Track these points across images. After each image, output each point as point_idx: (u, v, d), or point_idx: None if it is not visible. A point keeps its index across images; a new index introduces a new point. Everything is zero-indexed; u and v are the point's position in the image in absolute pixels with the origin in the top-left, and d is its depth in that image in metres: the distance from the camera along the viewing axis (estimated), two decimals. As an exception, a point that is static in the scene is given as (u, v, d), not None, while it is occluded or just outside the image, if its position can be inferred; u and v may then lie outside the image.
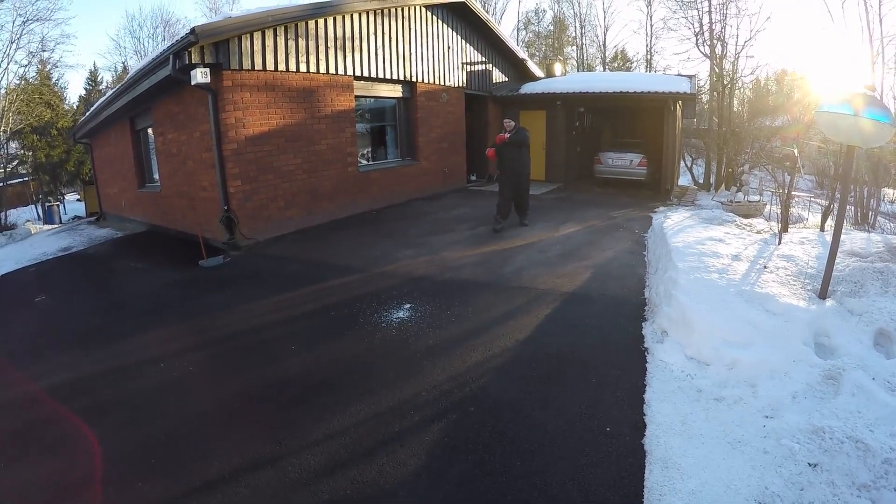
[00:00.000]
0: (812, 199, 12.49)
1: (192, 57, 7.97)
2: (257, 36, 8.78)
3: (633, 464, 2.96)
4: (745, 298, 4.51)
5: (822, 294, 4.58)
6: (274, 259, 8.12)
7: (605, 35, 41.93)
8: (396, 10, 11.77)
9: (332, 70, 10.20)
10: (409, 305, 5.63)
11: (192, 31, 7.73)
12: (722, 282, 4.92)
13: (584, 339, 4.60)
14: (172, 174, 10.85)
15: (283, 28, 9.18)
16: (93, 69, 37.88)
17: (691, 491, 2.73)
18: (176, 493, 3.04)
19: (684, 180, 20.79)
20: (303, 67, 9.61)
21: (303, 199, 9.85)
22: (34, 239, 16.09)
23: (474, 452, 3.14)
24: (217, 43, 8.21)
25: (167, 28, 42.24)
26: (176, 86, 9.05)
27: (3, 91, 19.68)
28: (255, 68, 8.83)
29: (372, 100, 12.04)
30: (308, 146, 9.85)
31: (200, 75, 8.07)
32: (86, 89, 36.01)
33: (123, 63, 41.64)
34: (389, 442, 3.29)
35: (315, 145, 9.98)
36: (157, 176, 12.42)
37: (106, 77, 39.44)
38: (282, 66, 9.24)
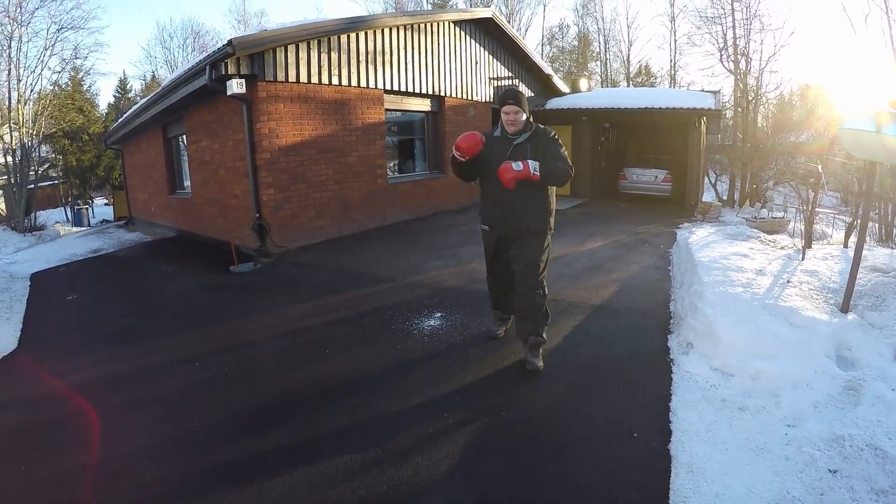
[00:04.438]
0: (836, 215, 12.51)
1: (228, 68, 8.26)
2: (291, 49, 9.07)
3: (660, 468, 3.07)
4: (769, 312, 4.61)
5: (845, 308, 4.67)
6: (305, 267, 8.32)
7: (629, 50, 42.16)
8: (426, 25, 12.06)
9: (363, 83, 10.47)
10: (439, 314, 5.77)
11: (230, 42, 8.01)
12: (746, 295, 5.02)
13: (610, 350, 4.72)
14: (204, 182, 11.16)
15: (316, 41, 9.46)
16: (122, 77, 38.72)
17: (715, 494, 2.84)
18: (213, 485, 3.16)
19: (708, 196, 20.75)
20: (335, 80, 9.88)
21: (333, 210, 10.08)
22: (63, 240, 16.48)
23: (507, 454, 3.25)
24: (252, 55, 8.50)
25: (197, 39, 43.25)
26: (210, 95, 9.36)
27: (36, 96, 20.18)
28: (289, 80, 9.11)
29: (401, 113, 12.32)
30: (339, 157, 10.10)
31: (236, 86, 8.35)
32: (115, 96, 36.97)
33: (153, 72, 42.71)
34: (424, 443, 3.41)
35: (346, 157, 10.23)
36: (187, 183, 12.74)
37: (135, 85, 40.28)
38: (315, 79, 9.51)
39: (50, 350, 5.97)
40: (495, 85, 14.95)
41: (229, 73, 8.29)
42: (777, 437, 3.25)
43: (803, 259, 6.41)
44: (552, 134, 4.47)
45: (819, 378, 3.72)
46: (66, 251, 13.31)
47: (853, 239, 8.19)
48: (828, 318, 4.49)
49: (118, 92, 37.39)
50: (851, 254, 5.75)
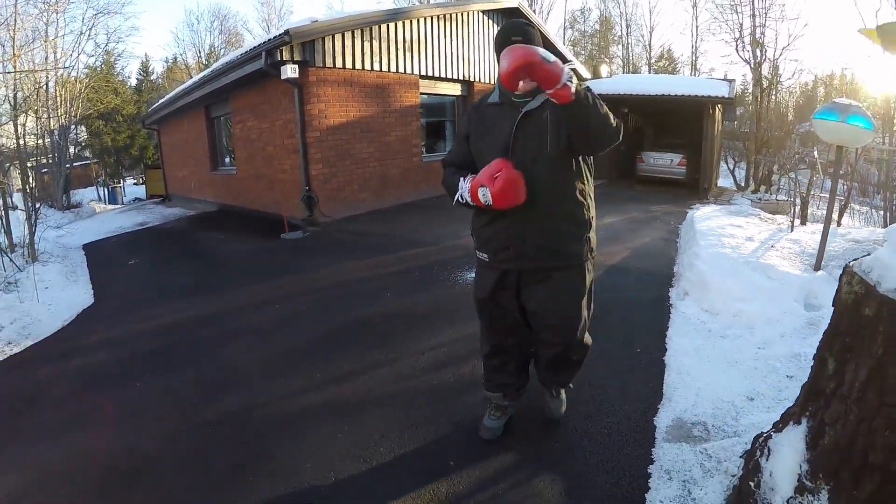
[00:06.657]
0: (843, 201, 13.23)
1: (283, 55, 9.20)
2: (338, 38, 10.02)
3: (656, 372, 4.05)
4: (751, 267, 5.59)
5: (816, 267, 5.64)
6: (352, 233, 9.28)
7: (650, 35, 42.64)
8: (456, 14, 12.93)
9: (400, 69, 11.46)
10: (479, 269, 6.73)
11: (286, 32, 8.99)
12: (734, 255, 6.01)
13: (621, 297, 5.68)
14: (250, 158, 12.14)
15: (360, 31, 10.42)
16: (144, 60, 39.66)
17: (698, 388, 3.80)
18: (313, 385, 4.04)
19: (727, 182, 21.34)
20: (376, 66, 10.86)
21: (374, 184, 11.12)
22: (103, 216, 17.35)
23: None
24: (304, 43, 9.45)
25: (222, 22, 44.15)
26: (259, 79, 10.39)
27: (73, 79, 21.08)
28: (336, 66, 10.09)
29: (434, 97, 13.24)
30: (379, 137, 11.12)
31: (290, 71, 9.33)
32: (138, 79, 37.56)
33: (175, 56, 43.70)
34: (477, 351, 4.38)
35: (385, 136, 11.25)
36: (228, 160, 13.73)
37: (157, 68, 41.24)
38: (358, 65, 10.49)
39: (128, 302, 6.72)
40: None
41: (283, 59, 9.27)
42: (749, 355, 4.22)
43: (792, 231, 7.34)
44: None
45: (787, 316, 4.69)
46: (112, 225, 14.13)
47: (846, 219, 9.11)
48: (800, 274, 5.46)
49: (140, 75, 38.18)
50: (840, 231, 6.69)
